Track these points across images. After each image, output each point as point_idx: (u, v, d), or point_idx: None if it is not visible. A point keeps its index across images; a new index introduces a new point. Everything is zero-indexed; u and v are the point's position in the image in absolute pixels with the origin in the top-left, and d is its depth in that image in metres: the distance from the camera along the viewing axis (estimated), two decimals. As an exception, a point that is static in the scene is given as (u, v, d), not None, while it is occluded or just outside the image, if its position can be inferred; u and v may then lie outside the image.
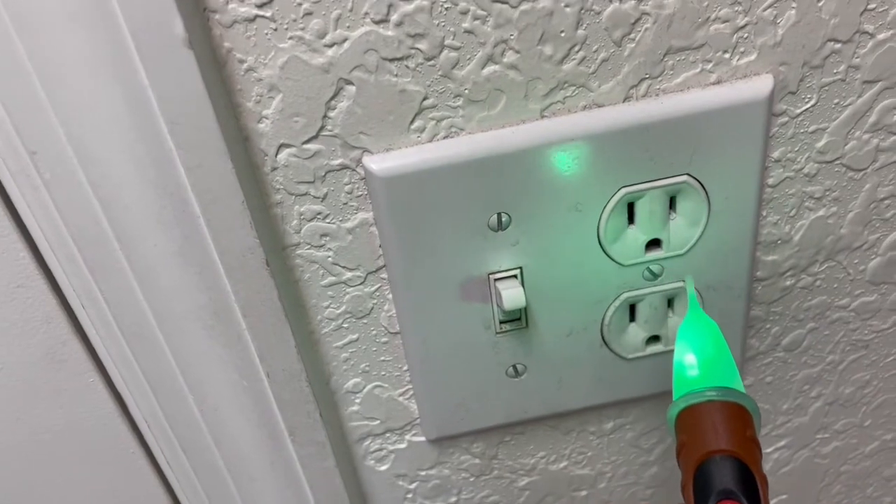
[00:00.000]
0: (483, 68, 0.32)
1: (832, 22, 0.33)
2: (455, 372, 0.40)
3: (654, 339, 0.41)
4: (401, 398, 0.42)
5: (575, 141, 0.34)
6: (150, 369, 0.36)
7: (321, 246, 0.36)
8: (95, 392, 0.38)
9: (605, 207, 0.36)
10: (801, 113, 0.36)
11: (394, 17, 0.30)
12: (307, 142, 0.33)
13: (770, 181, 0.38)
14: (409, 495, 0.47)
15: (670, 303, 0.40)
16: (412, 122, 0.33)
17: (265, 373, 0.36)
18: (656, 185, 0.36)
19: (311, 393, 0.38)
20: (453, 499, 0.47)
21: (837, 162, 0.38)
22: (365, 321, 0.39)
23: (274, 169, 0.33)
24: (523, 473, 0.47)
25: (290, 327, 0.36)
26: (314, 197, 0.34)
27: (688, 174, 0.36)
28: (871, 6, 0.33)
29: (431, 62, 0.32)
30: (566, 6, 0.31)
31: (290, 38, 0.30)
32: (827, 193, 0.39)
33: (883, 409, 0.50)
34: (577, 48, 0.32)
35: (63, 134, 0.29)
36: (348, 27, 0.30)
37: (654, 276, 0.38)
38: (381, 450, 0.44)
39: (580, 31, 0.32)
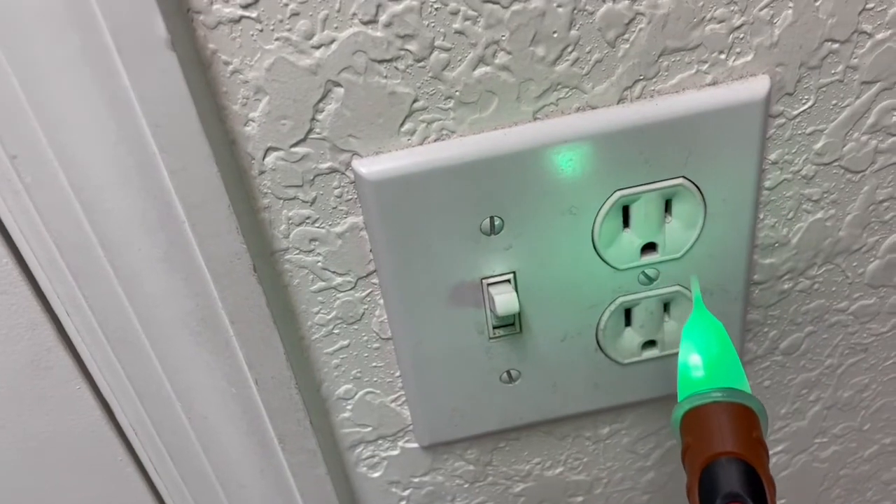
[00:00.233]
0: (474, 70, 0.32)
1: (830, 22, 0.33)
2: (448, 378, 0.40)
3: (649, 343, 0.40)
4: (393, 404, 0.41)
5: (568, 143, 0.33)
6: (137, 376, 0.36)
7: (310, 251, 0.35)
8: (82, 399, 0.37)
9: (599, 211, 0.35)
10: (798, 114, 0.35)
11: (382, 18, 0.30)
12: (295, 145, 0.32)
13: (767, 183, 0.37)
14: (403, 502, 0.46)
15: (666, 307, 0.39)
16: (402, 124, 0.33)
17: (254, 380, 0.36)
18: (651, 188, 0.35)
19: (301, 400, 0.37)
20: (447, 505, 0.47)
21: (835, 164, 0.37)
22: (356, 327, 0.38)
23: (261, 172, 0.33)
24: (518, 480, 0.47)
25: (279, 334, 0.35)
26: (303, 201, 0.34)
27: (683, 177, 0.35)
28: (870, 6, 0.33)
29: (421, 64, 0.31)
30: (558, 6, 0.31)
31: (277, 39, 0.30)
32: (825, 196, 0.38)
33: (882, 412, 0.49)
34: (570, 49, 0.32)
35: (44, 137, 0.29)
36: (336, 28, 0.30)
37: (650, 280, 0.38)
38: (373, 457, 0.43)
39: (573, 32, 0.31)
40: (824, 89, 0.35)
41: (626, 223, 0.36)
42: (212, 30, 0.29)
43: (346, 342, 0.39)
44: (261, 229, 0.34)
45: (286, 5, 0.29)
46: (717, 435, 0.30)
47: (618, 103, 0.34)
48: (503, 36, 0.31)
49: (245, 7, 0.29)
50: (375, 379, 0.40)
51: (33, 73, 0.27)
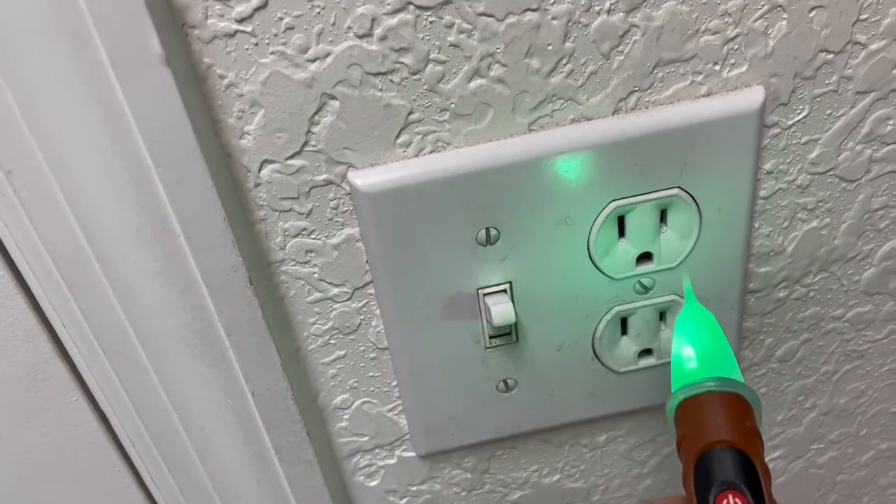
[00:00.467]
0: (469, 82, 0.32)
1: (824, 33, 0.33)
2: (445, 387, 0.40)
3: (646, 352, 0.41)
4: (390, 414, 0.41)
5: (564, 154, 0.33)
6: (134, 388, 0.36)
7: (306, 262, 0.35)
8: (79, 411, 0.37)
9: (594, 221, 0.35)
10: (793, 124, 0.35)
11: (377, 32, 0.30)
12: (291, 157, 0.32)
13: (762, 193, 0.37)
14: (400, 510, 0.46)
15: (662, 316, 0.39)
16: (398, 136, 0.33)
17: (250, 392, 0.36)
18: (647, 199, 0.35)
19: (298, 411, 0.37)
20: (445, 513, 0.47)
21: (830, 173, 0.37)
22: (352, 337, 0.38)
23: (257, 185, 0.33)
24: (516, 487, 0.47)
25: (276, 345, 0.35)
26: (298, 213, 0.34)
27: (679, 187, 0.35)
28: (864, 16, 0.33)
29: (416, 76, 0.31)
30: (553, 19, 0.31)
31: (272, 53, 0.30)
32: (820, 204, 0.38)
33: (878, 418, 0.49)
34: (564, 61, 0.32)
35: (39, 152, 0.29)
36: (331, 42, 0.30)
37: (646, 289, 0.38)
38: (370, 466, 0.44)
39: (568, 44, 0.31)
40: (819, 99, 0.35)
41: (621, 233, 0.36)
42: (207, 44, 0.29)
43: (342, 352, 0.39)
44: (257, 241, 0.34)
45: (281, 19, 0.29)
46: (712, 424, 0.30)
47: (613, 115, 0.34)
48: (498, 48, 0.31)
49: (240, 21, 0.29)
50: (372, 388, 0.40)
51: (28, 89, 0.27)
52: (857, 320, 0.44)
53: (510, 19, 0.30)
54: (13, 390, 0.36)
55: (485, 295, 0.37)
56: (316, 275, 0.36)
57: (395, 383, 0.40)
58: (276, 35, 0.29)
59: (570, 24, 0.31)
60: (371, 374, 0.40)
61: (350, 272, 0.36)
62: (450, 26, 0.30)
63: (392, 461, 0.44)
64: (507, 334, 0.38)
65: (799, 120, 0.35)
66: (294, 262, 0.35)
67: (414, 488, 0.45)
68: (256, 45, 0.29)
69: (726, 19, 0.32)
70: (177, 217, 0.31)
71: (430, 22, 0.30)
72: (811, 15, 0.32)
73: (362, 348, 0.39)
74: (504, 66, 0.31)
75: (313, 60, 0.30)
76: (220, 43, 0.29)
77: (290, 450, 0.38)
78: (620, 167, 0.34)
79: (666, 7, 0.31)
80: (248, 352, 0.35)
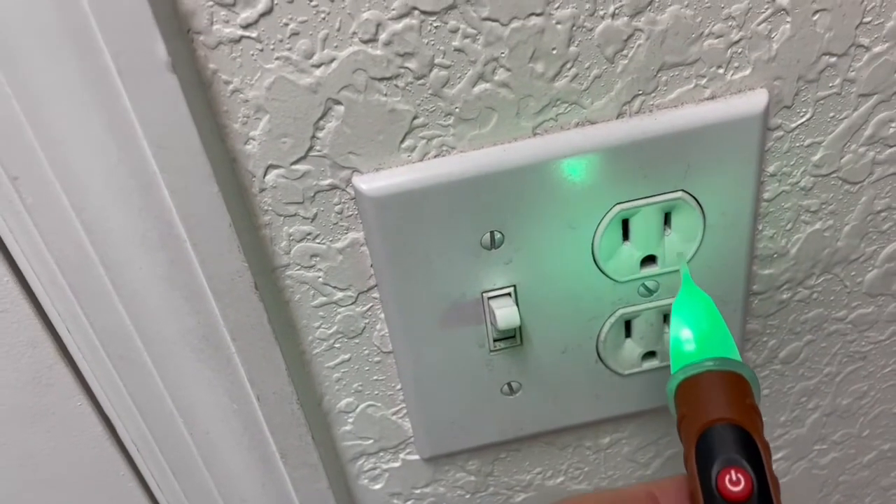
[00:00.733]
0: (474, 86, 0.32)
1: (827, 36, 0.33)
2: (449, 390, 0.40)
3: (650, 354, 0.41)
4: (394, 417, 0.41)
5: (568, 158, 0.33)
6: (139, 393, 0.36)
7: (311, 266, 0.35)
8: (84, 415, 0.37)
9: (599, 224, 0.35)
10: (796, 127, 0.35)
11: (382, 37, 0.30)
12: (296, 162, 0.32)
13: (766, 195, 0.37)
14: (404, 513, 0.46)
15: (666, 318, 0.39)
16: (402, 141, 0.33)
17: (255, 396, 0.36)
18: (651, 202, 0.35)
19: (303, 415, 0.37)
20: (449, 516, 0.47)
21: (833, 175, 0.37)
22: (357, 341, 0.38)
23: (262, 190, 0.33)
24: (520, 490, 0.47)
25: (281, 350, 0.35)
26: (303, 218, 0.34)
27: (683, 190, 0.35)
28: (867, 19, 0.33)
29: (421, 81, 0.31)
30: (557, 23, 0.31)
31: (277, 58, 0.30)
32: (823, 207, 0.38)
33: (880, 419, 0.49)
34: (569, 65, 0.32)
35: (45, 158, 0.29)
36: (336, 47, 0.30)
37: (650, 292, 0.38)
38: (374, 469, 0.44)
39: (572, 48, 0.31)
40: (822, 102, 0.35)
41: (625, 236, 0.36)
42: (212, 50, 0.29)
43: (347, 356, 0.39)
44: (262, 246, 0.34)
45: (286, 25, 0.29)
46: (712, 403, 0.30)
47: (617, 118, 0.34)
48: (502, 53, 0.31)
49: (245, 27, 0.29)
50: (376, 392, 0.40)
51: (34, 95, 0.27)
52: (860, 322, 0.44)
53: (514, 24, 0.30)
54: (18, 395, 0.36)
55: (489, 298, 0.37)
56: (321, 279, 0.36)
57: (399, 387, 0.40)
58: (281, 40, 0.29)
59: (574, 28, 0.31)
60: (375, 377, 0.40)
61: (355, 276, 0.36)
62: (454, 31, 0.30)
63: (396, 464, 0.44)
64: (512, 337, 0.38)
65: (802, 123, 0.35)
66: (299, 267, 0.35)
67: (418, 491, 0.45)
68: (262, 50, 0.29)
69: (730, 23, 0.32)
70: (182, 222, 0.31)
71: (435, 27, 0.30)
72: (815, 18, 0.32)
73: (367, 352, 0.39)
74: (508, 70, 0.31)
75: (318, 66, 0.30)
76: (226, 49, 0.29)
77: (295, 453, 0.38)
78: (624, 170, 0.34)
79: (670, 11, 0.31)
80: (253, 356, 0.35)
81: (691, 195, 0.35)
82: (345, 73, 0.30)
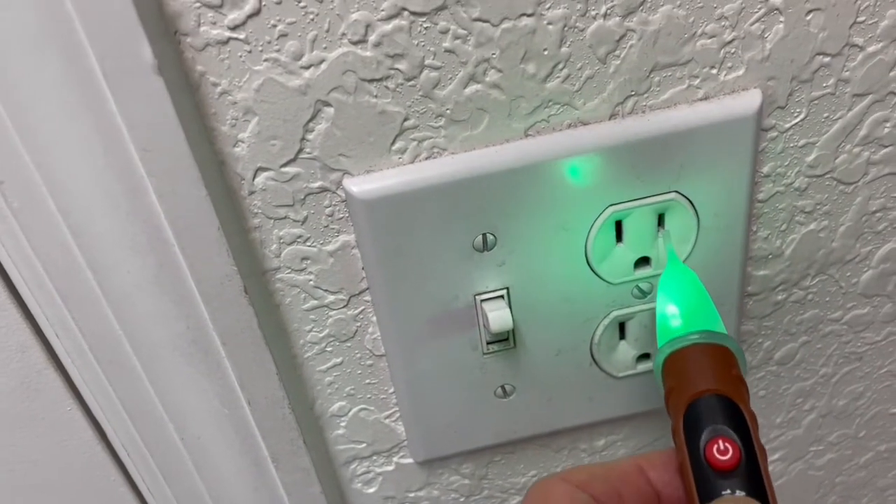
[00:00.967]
0: (465, 88, 0.31)
1: (821, 35, 0.33)
2: (442, 393, 0.40)
3: (644, 356, 0.40)
4: (387, 420, 0.41)
5: (560, 160, 0.33)
6: (129, 398, 0.36)
7: (302, 269, 0.35)
8: (73, 420, 0.37)
9: (592, 226, 0.35)
10: (790, 127, 0.35)
11: (372, 38, 0.30)
12: (285, 165, 0.32)
13: (760, 196, 0.37)
14: (399, 517, 0.46)
15: (660, 320, 0.39)
16: (393, 143, 0.32)
17: (246, 400, 0.36)
18: (644, 203, 0.35)
19: (294, 420, 0.37)
20: (443, 519, 0.47)
21: (828, 176, 0.37)
22: (349, 344, 0.38)
23: (251, 193, 0.33)
24: (514, 493, 0.46)
25: (272, 354, 0.35)
26: (294, 220, 0.34)
27: (676, 191, 0.35)
28: (861, 19, 0.33)
29: (412, 82, 0.31)
30: (549, 24, 0.30)
31: (266, 60, 0.29)
32: (818, 207, 0.38)
33: (877, 420, 0.49)
34: (560, 66, 0.32)
35: (31, 162, 0.28)
36: (325, 48, 0.29)
37: (644, 293, 0.38)
38: (368, 472, 0.43)
39: (564, 49, 0.31)
40: (816, 102, 0.35)
41: (619, 238, 0.36)
42: (199, 52, 0.29)
43: (339, 360, 0.38)
44: (251, 249, 0.34)
45: (274, 26, 0.29)
46: (699, 374, 0.30)
47: (609, 119, 0.33)
48: (493, 54, 0.31)
49: (233, 28, 0.29)
50: (369, 396, 0.40)
51: (19, 98, 0.27)
52: (856, 322, 0.44)
53: (505, 24, 0.30)
54: (7, 401, 0.36)
55: (482, 301, 0.36)
56: (312, 282, 0.36)
57: (392, 390, 0.40)
58: (269, 42, 0.29)
59: (565, 28, 0.31)
60: (368, 381, 0.39)
61: (346, 279, 0.36)
62: (445, 32, 0.30)
63: (390, 468, 0.43)
64: (505, 340, 0.38)
65: (796, 123, 0.35)
66: (289, 270, 0.35)
67: (412, 495, 0.45)
68: (250, 52, 0.29)
69: (723, 23, 0.32)
70: (170, 226, 0.30)
71: (425, 28, 0.30)
72: (808, 18, 0.32)
73: (359, 355, 0.38)
74: (500, 71, 0.31)
75: (307, 67, 0.30)
76: (213, 50, 0.29)
77: (287, 458, 0.38)
78: (617, 172, 0.34)
79: (662, 11, 0.31)
80: (243, 360, 0.35)
81: (685, 196, 0.35)
82: (334, 74, 0.30)
